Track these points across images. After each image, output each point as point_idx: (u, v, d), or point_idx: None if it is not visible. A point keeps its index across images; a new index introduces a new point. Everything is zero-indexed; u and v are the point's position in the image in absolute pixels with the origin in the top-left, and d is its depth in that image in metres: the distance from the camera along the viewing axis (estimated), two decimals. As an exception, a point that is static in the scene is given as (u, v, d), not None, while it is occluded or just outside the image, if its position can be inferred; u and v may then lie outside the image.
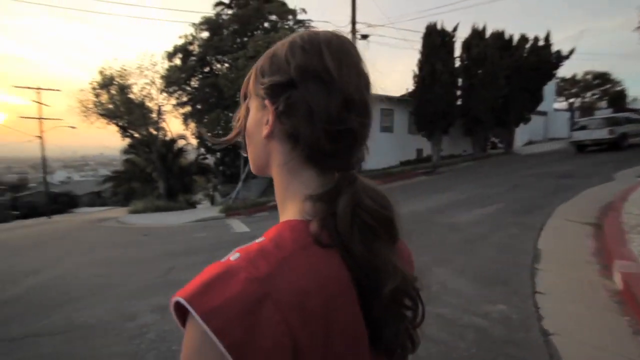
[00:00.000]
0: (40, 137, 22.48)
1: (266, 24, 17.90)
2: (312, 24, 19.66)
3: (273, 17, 18.69)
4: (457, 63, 14.94)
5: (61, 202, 33.40)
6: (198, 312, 0.30)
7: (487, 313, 2.63)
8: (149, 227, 9.99)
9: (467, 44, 15.07)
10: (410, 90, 16.36)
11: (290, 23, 18.65)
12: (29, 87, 22.22)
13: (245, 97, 0.48)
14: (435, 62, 13.39)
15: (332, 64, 0.39)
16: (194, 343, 0.30)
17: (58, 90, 23.02)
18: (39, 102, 22.04)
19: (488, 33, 15.28)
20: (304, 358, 0.32)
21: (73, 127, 23.16)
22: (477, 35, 14.96)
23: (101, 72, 15.97)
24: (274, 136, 0.42)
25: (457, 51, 14.89)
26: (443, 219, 5.70)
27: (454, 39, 14.27)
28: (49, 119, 23.06)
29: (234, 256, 0.35)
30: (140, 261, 5.19)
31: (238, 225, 8.71)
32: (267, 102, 0.41)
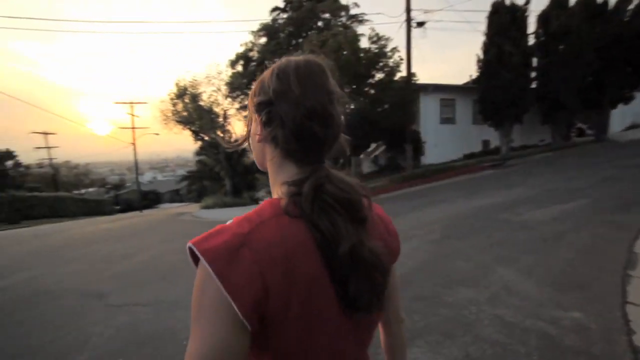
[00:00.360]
0: (133, 144, 26.33)
1: (320, 23, 18.21)
2: (366, 17, 19.34)
3: (326, 16, 18.93)
4: (531, 41, 13.27)
5: (149, 198, 38.69)
6: (198, 250, 0.44)
7: (557, 319, 2.39)
8: (217, 221, 11.04)
9: (544, 18, 13.28)
10: (474, 77, 15.10)
11: (343, 19, 18.67)
12: (124, 102, 26.16)
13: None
14: (503, 42, 12.10)
15: (296, 86, 0.51)
16: (200, 276, 0.45)
17: (145, 103, 26.64)
18: (132, 115, 25.82)
19: (572, 1, 13.22)
20: (273, 294, 0.44)
21: (157, 134, 26.64)
22: (557, 5, 13.06)
23: (177, 84, 18.07)
24: (264, 140, 0.55)
25: (531, 27, 13.20)
26: (510, 216, 5.22)
27: (526, 14, 12.68)
28: (139, 127, 26.87)
29: (229, 222, 0.49)
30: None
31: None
32: (255, 115, 0.56)
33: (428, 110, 15.62)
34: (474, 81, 15.19)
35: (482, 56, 13.09)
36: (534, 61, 13.39)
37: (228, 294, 0.42)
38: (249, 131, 0.61)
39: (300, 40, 16.32)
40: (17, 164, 24.33)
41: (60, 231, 10.57)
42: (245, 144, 0.63)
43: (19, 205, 19.04)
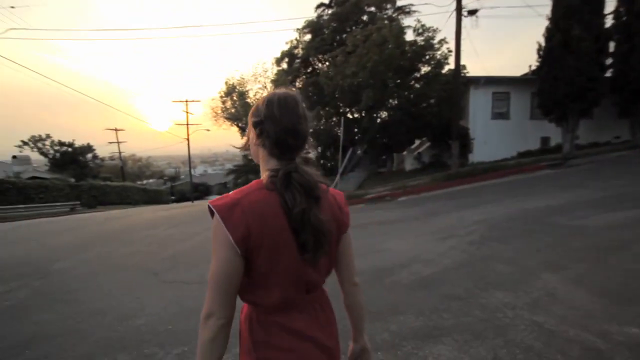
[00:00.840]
0: (187, 139, 28.53)
1: (364, 17, 17.95)
2: (413, 7, 18.59)
3: (372, 9, 18.59)
4: (608, 23, 11.69)
5: (200, 190, 41.66)
6: (213, 206, 0.75)
7: (608, 333, 2.18)
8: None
9: (628, -7, 11.56)
10: (534, 67, 13.76)
11: (389, 12, 18.17)
12: (180, 101, 28.42)
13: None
14: (571, 26, 10.83)
15: (277, 111, 0.79)
16: (214, 222, 0.75)
17: (199, 101, 28.67)
18: (186, 112, 27.97)
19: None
20: (252, 234, 0.73)
21: (208, 130, 28.52)
22: (646, -22, 11.31)
23: (226, 83, 19.16)
24: (259, 145, 0.84)
25: (609, 6, 11.61)
26: (565, 220, 4.76)
27: (603, -8, 11.19)
28: (193, 124, 29.05)
29: (231, 193, 0.79)
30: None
31: (333, 215, 9.25)
32: (253, 129, 0.84)
33: (478, 105, 14.63)
34: (534, 72, 13.85)
35: (544, 43, 11.87)
36: (611, 46, 11.80)
37: (227, 231, 0.73)
38: (249, 138, 0.89)
39: (344, 35, 16.26)
40: (95, 157, 27.80)
41: (125, 216, 11.93)
42: (248, 147, 0.92)
43: (95, 193, 21.80)
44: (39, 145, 24.63)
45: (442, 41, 12.41)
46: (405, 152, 18.16)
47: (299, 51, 19.64)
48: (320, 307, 0.90)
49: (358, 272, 0.99)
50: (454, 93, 11.72)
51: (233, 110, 19.61)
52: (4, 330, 2.84)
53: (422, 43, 12.42)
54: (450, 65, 12.55)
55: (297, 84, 19.38)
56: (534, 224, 4.80)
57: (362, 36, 12.48)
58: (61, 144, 25.06)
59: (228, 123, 21.17)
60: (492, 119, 15.01)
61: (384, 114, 15.22)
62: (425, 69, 13.58)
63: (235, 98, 19.15)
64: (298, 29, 19.45)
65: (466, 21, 11.98)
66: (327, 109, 16.14)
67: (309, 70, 19.52)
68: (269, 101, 0.81)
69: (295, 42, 19.89)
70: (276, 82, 19.63)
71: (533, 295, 2.74)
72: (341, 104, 15.12)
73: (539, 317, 2.39)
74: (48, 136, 25.28)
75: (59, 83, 56.50)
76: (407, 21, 17.43)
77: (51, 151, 25.00)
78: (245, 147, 0.92)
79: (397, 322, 2.48)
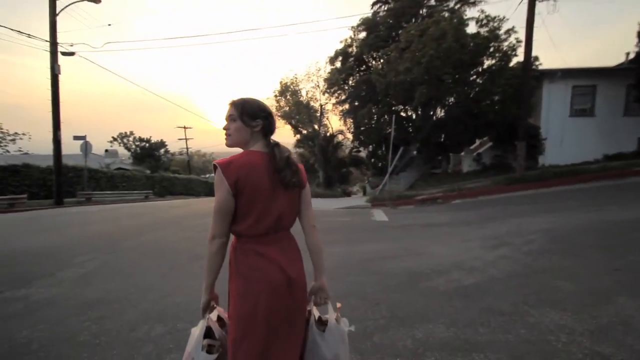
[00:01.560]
0: (245, 136, 30.35)
1: (423, 11, 17.05)
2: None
3: (431, 2, 17.57)
4: None
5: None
6: (217, 163, 1.13)
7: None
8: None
9: None
10: (632, 55, 11.64)
11: (451, 4, 16.96)
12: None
13: (233, 119, 1.23)
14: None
15: (268, 110, 1.28)
16: (217, 174, 1.12)
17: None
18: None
19: None
20: (240, 181, 1.11)
21: (264, 128, 29.97)
22: None
23: (280, 82, 19.87)
24: (255, 130, 1.22)
25: None
26: (658, 236, 3.92)
27: None
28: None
29: (228, 157, 1.17)
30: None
31: (380, 214, 8.97)
32: (256, 122, 1.22)
33: (553, 100, 12.89)
34: (632, 61, 11.73)
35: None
36: None
37: (224, 178, 1.10)
38: (232, 127, 1.22)
39: (400, 31, 15.66)
40: (166, 152, 31.21)
41: (186, 205, 13.14)
42: (229, 132, 1.23)
43: (166, 184, 24.44)
44: (124, 141, 28.50)
45: (510, 31, 11.18)
46: (463, 153, 16.84)
47: (353, 49, 19.46)
48: (288, 244, 1.24)
49: (316, 219, 1.31)
50: (522, 88, 10.49)
51: (287, 109, 20.25)
52: (78, 292, 3.30)
53: (486, 34, 11.33)
54: (519, 57, 11.26)
55: (350, 81, 19.25)
56: (615, 239, 4.05)
57: (418, 31, 11.86)
58: (141, 140, 28.67)
59: (282, 121, 21.97)
60: (570, 116, 13.13)
61: (440, 112, 14.29)
62: (489, 62, 12.40)
63: (288, 97, 19.76)
64: (353, 27, 19.29)
65: (541, 7, 10.60)
66: (378, 106, 15.73)
67: (362, 68, 19.25)
68: (266, 105, 1.27)
69: (349, 40, 19.77)
70: (329, 81, 19.76)
71: (601, 321, 2.29)
72: (393, 102, 14.60)
73: (603, 348, 1.98)
74: (131, 133, 29.12)
75: (139, 87, 64.61)
76: (470, 12, 16.07)
77: (133, 146, 28.74)
78: (227, 132, 1.23)
79: (425, 330, 2.28)
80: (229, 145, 1.23)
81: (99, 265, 4.33)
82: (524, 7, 10.28)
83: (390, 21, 17.43)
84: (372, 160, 20.66)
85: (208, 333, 1.21)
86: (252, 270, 1.14)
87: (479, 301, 2.68)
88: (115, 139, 28.85)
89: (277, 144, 1.23)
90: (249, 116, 1.19)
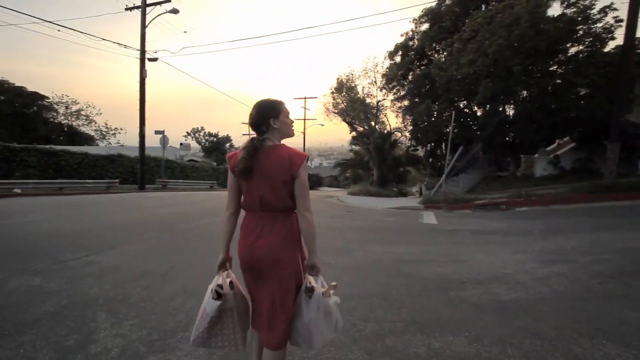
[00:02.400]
0: (303, 133, 31.25)
1: (495, -4, 15.40)
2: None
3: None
4: None
5: (312, 181, 44.96)
6: (227, 155, 1.49)
7: None
8: (356, 207, 11.71)
9: None
10: None
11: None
12: (300, 98, 31.28)
13: (266, 124, 1.48)
14: None
15: (285, 109, 1.52)
16: (229, 175, 1.49)
17: (315, 97, 31.00)
18: (304, 108, 30.59)
19: None
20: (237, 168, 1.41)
21: (322, 125, 30.46)
22: None
23: (337, 79, 19.91)
24: (290, 124, 1.54)
25: None
26: None
27: None
28: (309, 119, 31.57)
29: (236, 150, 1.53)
30: (334, 229, 6.33)
31: (429, 217, 8.48)
32: (286, 116, 1.51)
33: (663, 92, 10.57)
34: None
35: None
36: None
37: (229, 165, 1.44)
38: (282, 122, 1.48)
39: (467, 21, 14.42)
40: (231, 146, 33.85)
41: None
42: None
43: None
44: (196, 135, 31.73)
45: (607, 9, 9.41)
46: (536, 155, 14.87)
47: (415, 42, 18.53)
48: (273, 221, 1.42)
49: (309, 208, 1.43)
50: (619, 77, 8.79)
51: (343, 106, 20.25)
52: (138, 262, 3.81)
53: (573, 15, 9.75)
54: (618, 41, 9.45)
55: (409, 77, 18.42)
56: None
57: (486, 18, 10.76)
58: (210, 135, 31.59)
59: (339, 118, 22.06)
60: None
61: (509, 109, 12.81)
62: (575, 49, 10.67)
63: (344, 93, 19.72)
64: (415, 19, 18.37)
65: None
66: (438, 102, 14.75)
67: (423, 62, 18.24)
68: (279, 102, 1.52)
69: (411, 33, 18.87)
70: (387, 76, 19.17)
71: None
72: (455, 97, 13.54)
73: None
74: (202, 128, 32.28)
75: (210, 86, 70.50)
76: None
77: (203, 140, 31.81)
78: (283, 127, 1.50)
79: (444, 341, 2.11)
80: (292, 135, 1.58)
81: (158, 242, 4.93)
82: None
83: (457, 9, 16.14)
84: (430, 159, 19.54)
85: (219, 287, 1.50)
86: (243, 227, 1.48)
87: (515, 319, 2.37)
88: (188, 134, 32.36)
89: (251, 139, 1.45)
90: (279, 112, 1.54)
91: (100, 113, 33.41)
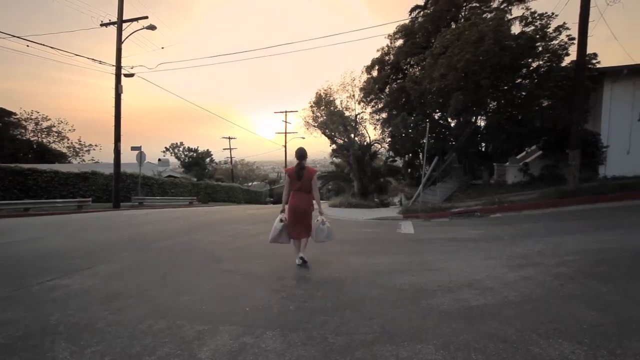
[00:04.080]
0: (284, 147, 31.34)
1: (462, 14, 16.34)
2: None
3: (473, 4, 16.78)
4: None
5: (295, 193, 44.71)
6: (285, 170, 4.57)
7: None
8: (336, 219, 11.74)
9: None
10: None
11: (494, 4, 16.05)
12: (280, 112, 31.51)
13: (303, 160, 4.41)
14: None
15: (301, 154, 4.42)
16: (286, 174, 4.38)
17: (296, 111, 31.27)
18: (285, 121, 30.79)
19: None
20: (289, 175, 4.28)
21: (303, 138, 30.66)
22: None
23: (316, 93, 20.26)
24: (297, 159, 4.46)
25: None
26: None
27: None
28: (290, 132, 31.75)
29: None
30: (313, 242, 6.33)
31: (407, 226, 8.63)
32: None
33: (617, 103, 11.46)
34: None
35: None
36: None
37: (287, 176, 4.32)
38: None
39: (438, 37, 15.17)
40: (212, 161, 33.39)
41: (221, 212, 13.85)
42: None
43: (209, 191, 26.07)
44: (175, 150, 31.11)
45: (560, 28, 10.21)
46: (507, 163, 15.57)
47: (390, 57, 19.23)
48: (306, 196, 4.19)
49: (317, 191, 4.29)
50: (575, 90, 9.48)
51: (322, 119, 20.55)
52: (108, 284, 3.65)
53: (531, 34, 10.49)
54: (573, 56, 10.22)
55: (386, 90, 19.00)
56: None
57: (454, 35, 11.38)
58: (189, 150, 31.07)
59: (319, 131, 22.30)
60: None
61: (480, 120, 13.43)
62: (537, 63, 11.42)
63: (323, 107, 20.06)
64: (389, 35, 19.13)
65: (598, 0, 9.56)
66: (414, 114, 15.26)
67: (399, 76, 18.92)
68: (297, 150, 4.34)
69: (386, 48, 19.59)
70: (365, 90, 19.71)
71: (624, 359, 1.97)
72: (429, 110, 14.07)
73: (615, 389, 1.70)
74: (182, 143, 31.73)
75: (188, 101, 69.96)
76: (517, 11, 15.02)
77: (182, 155, 31.22)
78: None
79: (411, 351, 2.14)
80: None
81: (131, 262, 4.75)
82: (577, 1, 9.36)
83: (429, 27, 16.98)
84: (409, 170, 20.01)
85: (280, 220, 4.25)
86: (292, 200, 4.19)
87: (482, 324, 2.45)
88: (167, 149, 31.68)
89: (298, 162, 4.21)
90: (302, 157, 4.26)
91: (74, 129, 32.26)
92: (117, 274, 4.11)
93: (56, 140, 31.33)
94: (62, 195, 15.79)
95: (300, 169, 4.11)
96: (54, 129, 31.13)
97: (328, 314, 2.75)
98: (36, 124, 30.12)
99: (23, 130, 29.06)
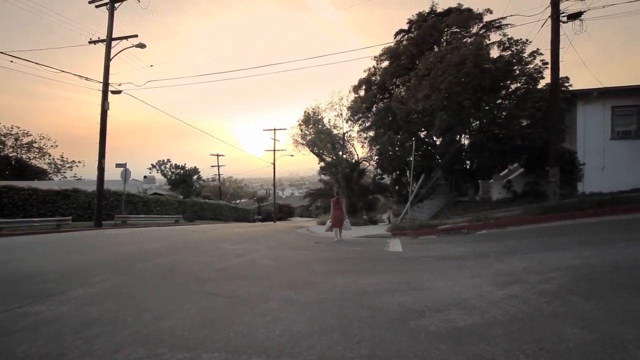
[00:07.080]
0: (273, 164, 31.33)
1: (445, 38, 17.17)
2: (504, 22, 16.90)
3: (454, 29, 17.68)
4: None
5: (284, 211, 44.51)
6: (332, 199, 10.93)
7: None
8: (325, 237, 11.65)
9: None
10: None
11: (474, 30, 16.96)
12: (269, 129, 31.71)
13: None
14: None
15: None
16: (331, 202, 10.82)
17: (285, 129, 31.61)
18: (273, 139, 30.93)
19: None
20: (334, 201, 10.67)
21: (292, 155, 30.79)
22: None
23: (305, 112, 20.58)
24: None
25: None
26: None
27: None
28: (279, 150, 31.84)
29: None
30: (300, 262, 6.24)
31: (395, 244, 8.63)
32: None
33: (590, 123, 12.06)
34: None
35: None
36: None
37: (332, 202, 10.49)
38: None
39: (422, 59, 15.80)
40: (199, 178, 32.97)
41: (207, 230, 13.56)
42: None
43: (196, 209, 25.58)
44: (162, 167, 30.65)
45: (535, 53, 10.84)
46: (492, 180, 15.98)
47: (377, 78, 19.86)
48: (340, 211, 10.20)
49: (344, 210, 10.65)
50: (550, 111, 9.96)
51: (311, 137, 20.77)
52: (83, 311, 3.46)
53: (509, 57, 11.08)
54: (548, 79, 10.80)
55: (373, 109, 19.47)
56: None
57: (437, 58, 11.90)
58: (176, 167, 30.66)
59: (307, 149, 22.48)
60: (613, 139, 12.13)
61: (464, 138, 13.85)
62: (515, 85, 12.01)
63: (311, 126, 20.33)
64: (376, 57, 19.83)
65: (567, 27, 10.24)
66: (400, 133, 15.63)
67: (385, 96, 19.48)
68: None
69: (373, 69, 20.26)
70: (352, 109, 20.15)
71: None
72: (414, 129, 14.45)
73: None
74: (169, 160, 31.32)
75: (176, 118, 69.95)
76: (495, 37, 15.91)
77: (169, 173, 30.74)
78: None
79: (399, 376, 2.09)
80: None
81: (110, 285, 4.54)
82: (550, 28, 9.99)
83: (413, 50, 17.71)
84: (396, 187, 20.24)
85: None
86: (334, 213, 10.19)
87: (469, 345, 2.43)
88: (154, 166, 31.16)
89: (337, 193, 11.15)
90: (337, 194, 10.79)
91: (56, 145, 31.46)
92: (93, 298, 3.91)
93: (37, 156, 30.45)
94: (41, 213, 15.18)
95: (337, 199, 10.12)
96: (35, 145, 30.30)
97: (314, 337, 2.68)
98: (16, 139, 29.26)
99: (1, 146, 28.15)
